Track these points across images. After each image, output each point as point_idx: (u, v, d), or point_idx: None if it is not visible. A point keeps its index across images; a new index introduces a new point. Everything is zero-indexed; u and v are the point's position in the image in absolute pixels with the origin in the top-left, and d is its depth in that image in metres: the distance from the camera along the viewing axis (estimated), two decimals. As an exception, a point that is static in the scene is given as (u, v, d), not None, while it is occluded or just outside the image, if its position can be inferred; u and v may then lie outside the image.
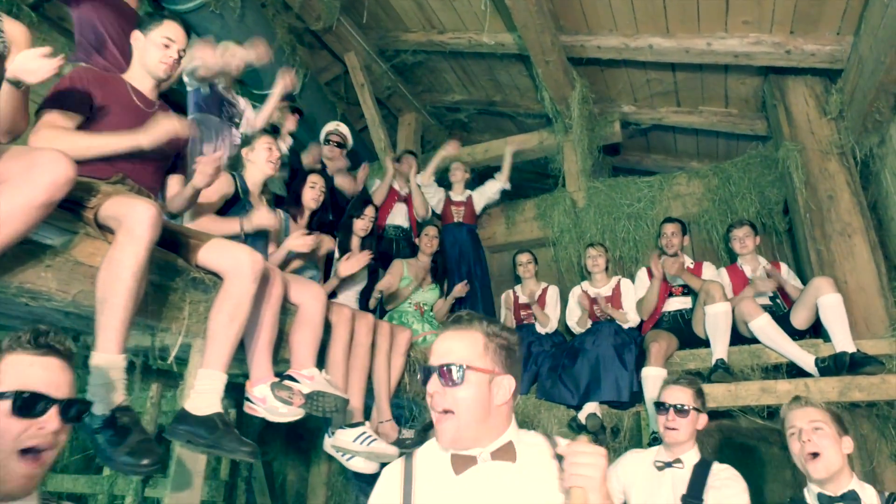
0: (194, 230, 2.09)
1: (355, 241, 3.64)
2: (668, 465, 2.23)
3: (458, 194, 4.83)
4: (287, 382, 2.12)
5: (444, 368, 1.22)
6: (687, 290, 3.78)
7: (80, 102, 1.94)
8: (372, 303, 3.61)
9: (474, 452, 1.23)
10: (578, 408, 3.47)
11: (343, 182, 4.18)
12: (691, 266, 3.87)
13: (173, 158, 2.24)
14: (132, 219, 1.59)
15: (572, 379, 3.53)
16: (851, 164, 3.69)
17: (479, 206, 4.81)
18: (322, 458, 4.84)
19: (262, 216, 2.50)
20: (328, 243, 3.05)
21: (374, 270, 3.77)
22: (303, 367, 2.23)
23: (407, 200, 4.71)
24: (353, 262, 3.07)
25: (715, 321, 3.37)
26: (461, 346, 1.24)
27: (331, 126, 4.17)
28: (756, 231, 3.83)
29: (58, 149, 1.78)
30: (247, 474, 4.49)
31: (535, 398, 3.70)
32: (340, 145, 4.08)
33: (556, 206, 4.92)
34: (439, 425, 1.21)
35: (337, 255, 3.56)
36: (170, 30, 2.14)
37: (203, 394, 1.87)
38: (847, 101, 3.63)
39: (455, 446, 1.22)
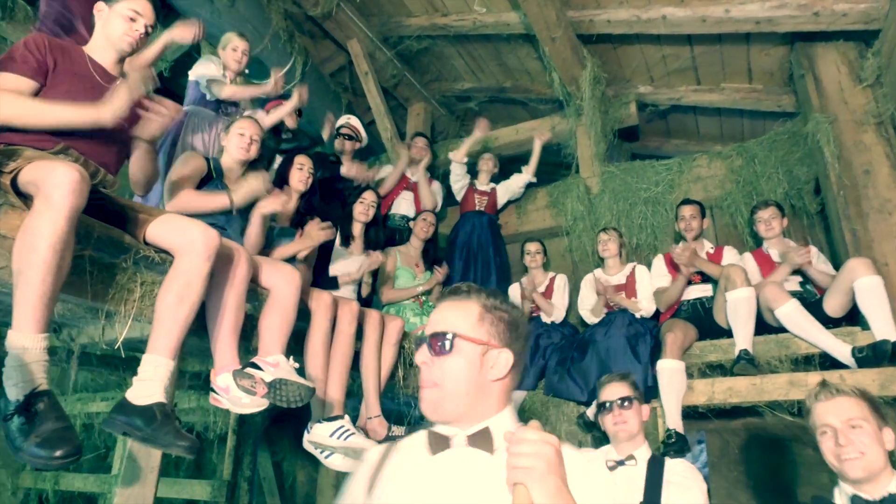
0: (142, 205, 1.94)
1: (357, 228, 3.48)
2: (621, 463, 2.12)
3: (483, 184, 4.65)
4: (249, 370, 1.95)
5: (434, 337, 1.09)
6: (707, 277, 3.48)
7: (36, 68, 1.80)
8: (364, 290, 3.42)
9: (450, 432, 1.08)
10: (588, 404, 3.22)
11: (351, 169, 4.00)
12: (711, 251, 3.57)
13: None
14: (50, 183, 1.44)
15: (581, 373, 3.28)
16: (891, 133, 3.34)
17: (502, 199, 4.63)
18: (331, 459, 4.68)
19: (248, 184, 2.32)
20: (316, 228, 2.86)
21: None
22: (269, 353, 2.05)
23: (414, 189, 4.52)
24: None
25: (736, 308, 3.07)
26: (454, 316, 1.12)
27: (342, 119, 4.02)
28: (783, 212, 3.51)
29: (7, 114, 1.66)
30: (249, 474, 4.36)
31: (542, 394, 3.46)
32: (351, 138, 3.91)
33: (568, 193, 4.65)
34: (423, 394, 1.09)
35: (339, 242, 3.40)
36: (137, 2, 1.99)
37: (144, 381, 1.69)
38: (885, 65, 3.29)
39: (436, 415, 1.08)
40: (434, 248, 4.13)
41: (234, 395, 1.94)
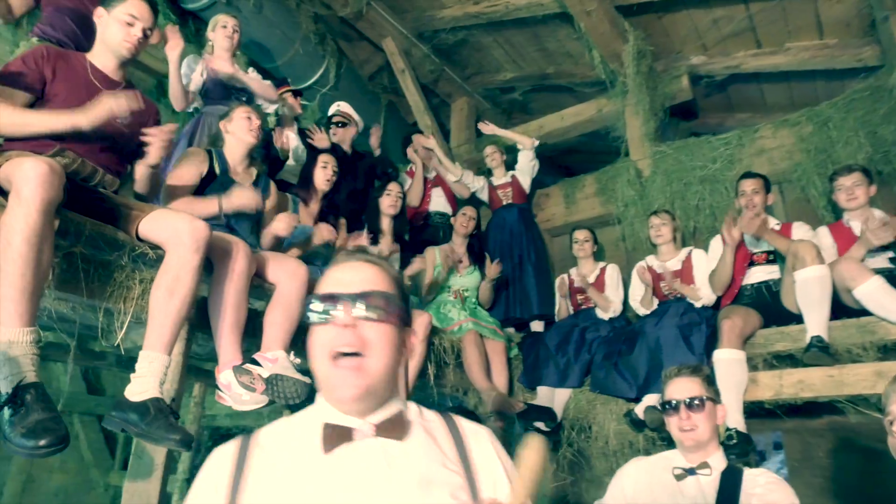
0: (136, 202, 1.93)
1: (385, 222, 3.39)
2: (691, 472, 1.75)
3: (499, 178, 4.44)
4: (248, 366, 1.89)
5: (375, 296, 0.91)
6: (773, 257, 3.10)
7: (29, 81, 1.85)
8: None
9: (353, 423, 0.90)
10: (638, 400, 2.94)
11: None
12: (777, 228, 3.17)
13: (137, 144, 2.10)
14: (19, 178, 1.44)
15: (630, 367, 3.00)
16: None
17: (525, 182, 4.38)
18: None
19: (241, 195, 2.30)
20: (325, 232, 2.80)
21: (404, 256, 3.49)
22: (269, 349, 1.99)
23: (439, 182, 4.40)
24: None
25: (807, 289, 2.69)
26: (384, 279, 0.96)
27: (332, 108, 3.96)
28: (871, 178, 3.04)
29: None
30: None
31: (588, 391, 3.20)
32: (344, 124, 3.84)
33: (618, 177, 4.35)
34: (342, 370, 0.88)
35: (368, 241, 3.33)
36: (133, 6, 2.00)
37: (140, 378, 1.68)
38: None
39: (360, 401, 0.89)
40: (479, 243, 3.97)
41: (234, 391, 1.90)
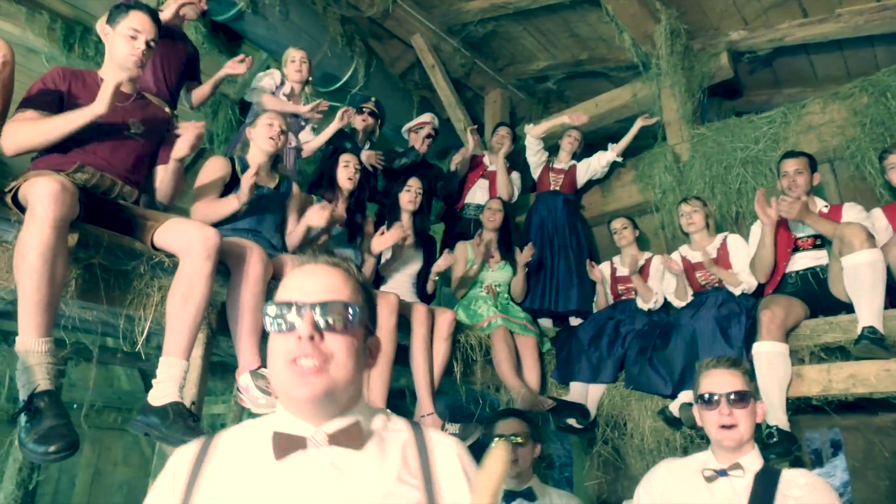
0: (152, 212, 2.01)
1: (405, 218, 3.39)
2: (722, 473, 1.63)
3: (561, 162, 4.35)
4: (263, 370, 1.94)
5: (337, 306, 0.89)
6: (821, 241, 2.89)
7: (50, 100, 1.95)
8: (429, 287, 3.31)
9: (304, 431, 0.89)
10: (674, 396, 2.82)
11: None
12: (825, 210, 2.96)
13: (156, 147, 2.19)
14: (33, 196, 1.53)
15: (664, 362, 2.88)
16: None
17: (581, 177, 4.29)
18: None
19: (247, 178, 2.25)
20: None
21: (431, 253, 3.48)
22: (284, 352, 2.02)
23: (490, 177, 4.34)
24: (387, 237, 2.82)
25: (857, 276, 2.49)
26: (347, 285, 0.94)
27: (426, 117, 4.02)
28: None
29: (21, 140, 1.82)
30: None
31: (622, 388, 3.10)
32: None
33: (655, 163, 4.18)
34: (300, 370, 0.86)
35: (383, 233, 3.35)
36: (135, 20, 2.07)
37: (160, 383, 1.76)
38: None
39: (317, 404, 0.88)
40: (507, 237, 3.92)
41: (252, 394, 1.95)
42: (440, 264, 3.23)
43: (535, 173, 4.39)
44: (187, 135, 2.09)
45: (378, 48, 5.17)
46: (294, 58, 3.42)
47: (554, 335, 3.68)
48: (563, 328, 3.76)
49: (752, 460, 1.65)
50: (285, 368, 0.87)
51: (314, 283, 0.92)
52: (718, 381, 1.69)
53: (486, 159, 4.44)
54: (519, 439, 2.38)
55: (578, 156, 4.43)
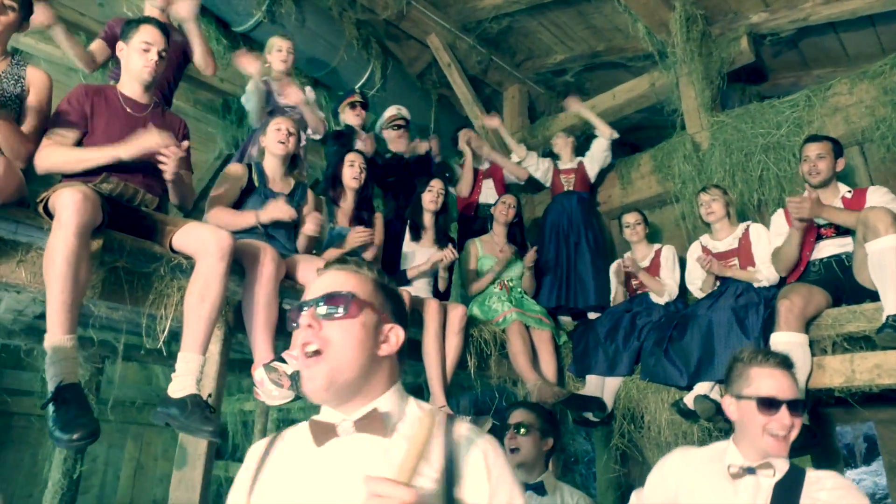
0: (171, 217, 2.12)
1: (427, 218, 3.43)
2: (750, 471, 1.55)
3: (566, 162, 4.35)
4: (276, 364, 2.02)
5: (329, 297, 0.97)
6: (845, 228, 2.80)
7: (74, 119, 2.08)
8: (441, 285, 3.35)
9: (334, 418, 0.98)
10: (689, 388, 2.79)
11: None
12: (848, 196, 2.87)
13: None
14: (59, 206, 1.65)
15: (680, 353, 2.85)
16: None
17: (591, 171, 4.27)
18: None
19: (275, 208, 2.44)
20: (357, 235, 2.86)
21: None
22: (295, 346, 2.10)
23: (492, 174, 4.38)
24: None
25: (882, 262, 2.42)
26: (349, 281, 1.02)
27: (393, 111, 4.05)
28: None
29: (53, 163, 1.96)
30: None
31: (639, 380, 3.08)
32: (401, 126, 3.92)
33: (674, 153, 4.12)
34: (305, 371, 0.95)
35: (409, 237, 3.40)
36: (146, 33, 2.20)
37: (180, 376, 1.87)
38: None
39: (325, 397, 0.96)
40: (520, 231, 3.93)
41: (266, 387, 2.04)
42: (440, 256, 3.20)
43: (546, 181, 4.39)
44: (168, 161, 2.08)
45: (395, 49, 5.23)
46: (281, 47, 3.41)
47: (572, 329, 3.67)
48: (581, 322, 3.75)
49: (783, 460, 1.55)
50: (300, 361, 0.97)
51: (321, 283, 1.02)
52: (780, 383, 1.57)
53: (479, 166, 4.45)
54: (522, 430, 2.38)
55: (579, 151, 4.43)
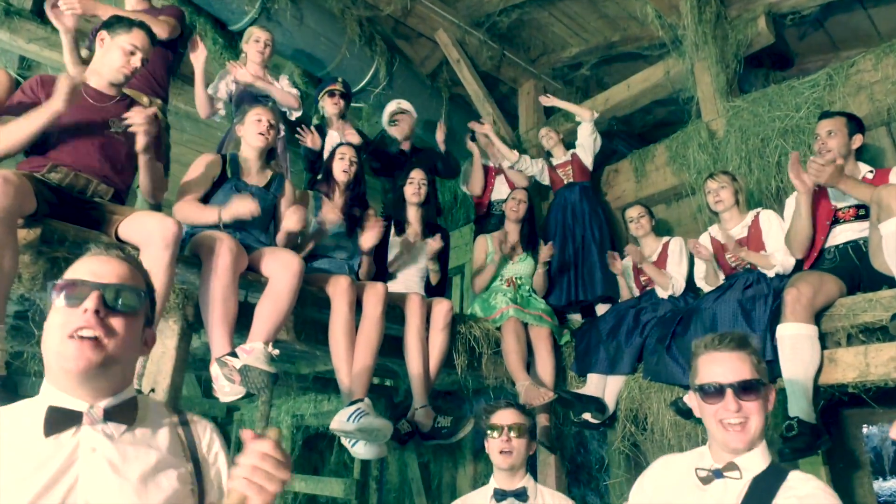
0: (118, 206, 2.07)
1: (412, 212, 3.33)
2: (717, 474, 1.38)
3: (559, 157, 4.21)
4: (226, 358, 1.95)
5: (126, 289, 0.98)
6: (864, 212, 2.54)
7: (27, 108, 1.98)
8: (433, 278, 3.23)
9: (81, 406, 0.93)
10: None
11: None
12: (870, 176, 2.60)
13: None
14: None
15: (683, 349, 2.63)
16: None
17: (586, 159, 4.09)
18: (468, 459, 4.60)
19: (239, 204, 2.27)
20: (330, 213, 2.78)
21: (444, 252, 3.39)
22: (252, 340, 2.03)
23: (503, 171, 4.26)
24: (370, 233, 2.77)
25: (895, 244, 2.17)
26: (135, 276, 1.04)
27: (393, 105, 3.98)
28: None
29: None
30: (377, 473, 4.48)
31: (641, 378, 2.87)
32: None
33: (689, 142, 3.88)
34: (77, 342, 0.91)
35: (393, 232, 3.31)
36: (137, 38, 2.16)
37: None
38: None
39: (91, 377, 0.92)
40: (532, 228, 3.80)
41: (220, 383, 1.97)
42: (430, 245, 3.10)
43: (545, 180, 4.27)
44: (137, 122, 2.01)
45: (406, 48, 5.19)
46: (259, 38, 3.31)
47: (577, 327, 3.49)
48: (587, 321, 3.57)
49: (754, 460, 1.37)
50: (63, 341, 0.90)
51: (107, 268, 0.99)
52: (722, 366, 1.39)
53: (491, 162, 4.34)
54: (516, 432, 2.21)
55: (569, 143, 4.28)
